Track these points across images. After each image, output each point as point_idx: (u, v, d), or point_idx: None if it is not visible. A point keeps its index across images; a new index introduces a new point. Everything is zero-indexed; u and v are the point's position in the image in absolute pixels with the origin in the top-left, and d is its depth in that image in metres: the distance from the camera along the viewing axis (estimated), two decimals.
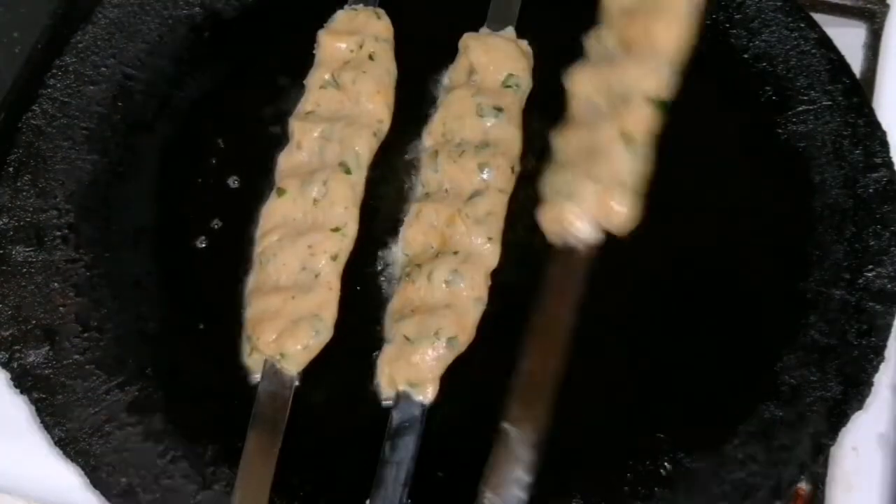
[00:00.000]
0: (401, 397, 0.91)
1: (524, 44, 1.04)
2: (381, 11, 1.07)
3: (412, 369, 0.90)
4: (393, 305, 0.95)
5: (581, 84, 0.90)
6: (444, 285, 0.93)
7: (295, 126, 1.01)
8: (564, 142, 0.88)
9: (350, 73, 1.02)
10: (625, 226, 0.87)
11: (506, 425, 0.84)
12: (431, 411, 0.91)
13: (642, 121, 0.87)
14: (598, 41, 0.91)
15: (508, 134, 0.99)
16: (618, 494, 0.88)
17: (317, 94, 1.03)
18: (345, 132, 1.00)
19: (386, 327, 0.94)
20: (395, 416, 0.90)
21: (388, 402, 0.92)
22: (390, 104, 1.03)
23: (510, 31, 1.05)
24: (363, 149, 0.99)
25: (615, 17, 0.93)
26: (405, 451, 0.88)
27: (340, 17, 1.06)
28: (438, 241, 0.95)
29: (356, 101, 1.02)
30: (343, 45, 1.04)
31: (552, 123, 1.01)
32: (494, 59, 1.01)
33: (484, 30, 1.05)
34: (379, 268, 0.98)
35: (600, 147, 0.85)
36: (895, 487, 0.92)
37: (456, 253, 0.94)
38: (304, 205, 0.97)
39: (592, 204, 0.86)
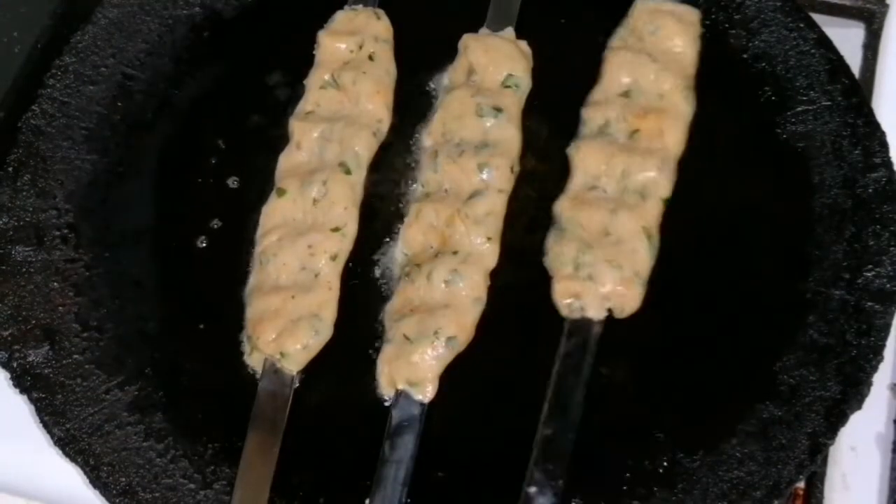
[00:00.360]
0: (400, 396, 0.91)
1: (524, 44, 1.04)
2: (381, 12, 1.06)
3: (411, 368, 0.90)
4: (392, 305, 0.95)
5: (590, 160, 0.96)
6: (443, 285, 0.93)
7: (295, 126, 1.01)
8: (576, 216, 0.94)
9: (350, 73, 1.02)
10: (631, 312, 0.92)
11: (530, 489, 0.86)
12: (431, 410, 0.91)
13: (658, 219, 0.95)
14: (603, 119, 0.98)
15: (508, 134, 0.99)
16: (617, 494, 0.88)
17: (317, 94, 1.03)
18: (344, 132, 1.00)
19: (385, 327, 0.94)
20: (395, 416, 0.90)
21: (387, 402, 0.92)
22: (390, 104, 1.03)
23: (510, 31, 1.05)
24: (363, 149, 1.00)
25: (616, 99, 0.99)
26: (404, 450, 0.89)
27: (340, 17, 1.06)
28: (438, 240, 0.96)
29: (356, 101, 1.02)
30: (343, 46, 1.04)
31: (552, 124, 1.02)
32: (494, 60, 1.01)
33: (483, 30, 1.05)
34: (378, 268, 0.98)
35: (623, 237, 0.92)
36: (893, 487, 0.92)
37: (455, 253, 0.94)
38: (303, 205, 0.97)
39: (611, 289, 0.91)
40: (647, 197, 0.94)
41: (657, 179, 0.95)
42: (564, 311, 0.93)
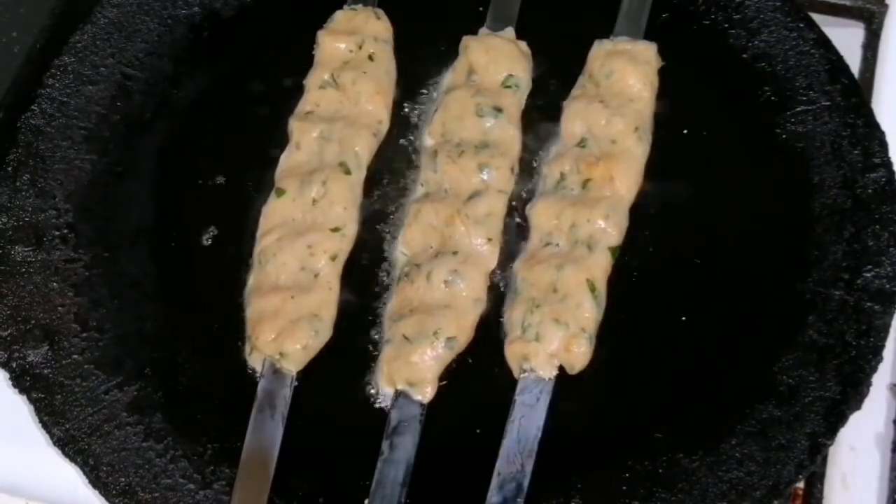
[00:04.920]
0: (399, 397, 0.91)
1: (523, 44, 1.04)
2: (381, 12, 1.06)
3: (411, 369, 0.90)
4: (392, 305, 0.95)
5: (543, 217, 0.96)
6: (443, 285, 0.93)
7: (294, 126, 1.01)
8: (528, 276, 0.94)
9: (350, 73, 1.02)
10: (581, 368, 0.91)
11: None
12: (430, 411, 0.91)
13: (605, 270, 0.93)
14: (559, 175, 0.97)
15: (508, 134, 0.99)
16: (616, 495, 0.88)
17: (316, 94, 1.03)
18: (344, 132, 1.00)
19: (385, 327, 0.95)
20: (394, 416, 0.90)
21: (386, 402, 0.92)
22: (389, 105, 1.03)
23: (510, 31, 1.04)
24: (363, 149, 0.99)
25: (571, 151, 0.98)
26: (404, 450, 0.89)
27: (339, 17, 1.06)
28: (437, 241, 0.95)
29: (356, 101, 1.02)
30: (342, 46, 1.04)
31: (552, 124, 1.02)
32: (494, 60, 1.01)
33: (483, 30, 1.05)
34: (378, 268, 0.98)
35: (567, 291, 0.92)
36: (892, 487, 0.92)
37: (455, 253, 0.94)
38: (303, 205, 0.97)
39: (558, 347, 0.91)
40: (594, 248, 0.93)
41: (604, 229, 0.94)
42: (516, 373, 0.92)
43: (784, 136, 1.00)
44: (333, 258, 0.96)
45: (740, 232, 0.97)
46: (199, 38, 1.08)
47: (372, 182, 1.01)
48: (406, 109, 1.04)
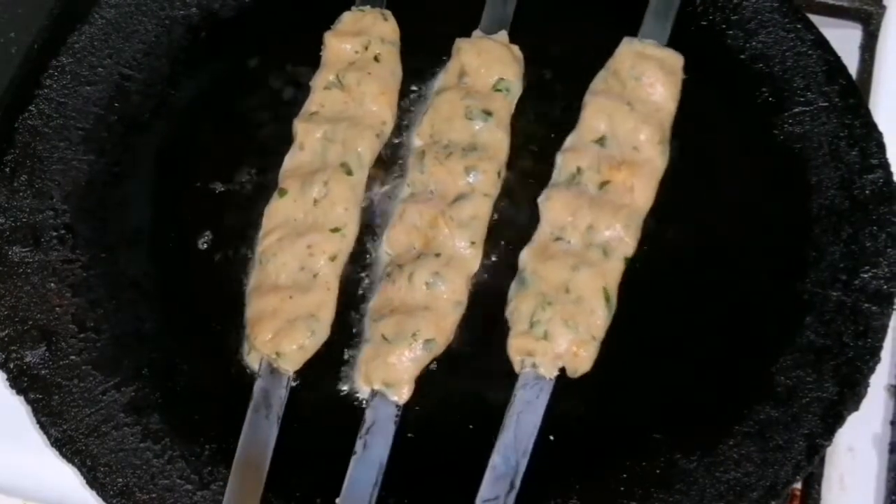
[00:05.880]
0: (375, 396, 0.91)
1: (516, 48, 1.03)
2: (388, 13, 1.06)
3: (388, 369, 0.90)
4: (373, 304, 0.95)
5: (557, 210, 0.95)
6: (424, 287, 0.92)
7: (298, 127, 1.01)
8: (539, 268, 0.93)
9: (354, 74, 1.02)
10: (583, 372, 0.91)
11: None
12: (406, 412, 0.91)
13: (618, 279, 0.93)
14: (575, 169, 0.97)
15: (496, 138, 0.98)
16: (614, 495, 0.88)
17: (321, 94, 1.02)
18: (348, 133, 0.99)
19: (365, 326, 0.94)
20: (369, 416, 0.90)
21: (363, 401, 0.92)
22: (394, 105, 1.02)
23: (503, 34, 1.04)
24: (365, 150, 0.99)
25: (590, 146, 0.98)
26: (377, 450, 0.88)
27: (347, 18, 1.06)
28: (421, 242, 0.95)
29: (360, 102, 1.01)
30: (348, 47, 1.03)
31: (541, 129, 1.01)
32: (486, 63, 1.01)
33: (477, 33, 1.05)
34: (375, 268, 0.98)
35: (581, 294, 0.91)
36: (890, 488, 0.92)
37: (438, 255, 0.94)
38: (304, 205, 0.97)
39: (566, 349, 0.90)
40: (610, 255, 0.93)
41: (622, 238, 0.94)
42: (517, 367, 0.92)
43: (782, 137, 0.99)
44: (333, 258, 0.96)
45: (738, 232, 0.97)
46: (197, 39, 1.08)
47: (372, 182, 1.01)
48: (408, 110, 1.04)
